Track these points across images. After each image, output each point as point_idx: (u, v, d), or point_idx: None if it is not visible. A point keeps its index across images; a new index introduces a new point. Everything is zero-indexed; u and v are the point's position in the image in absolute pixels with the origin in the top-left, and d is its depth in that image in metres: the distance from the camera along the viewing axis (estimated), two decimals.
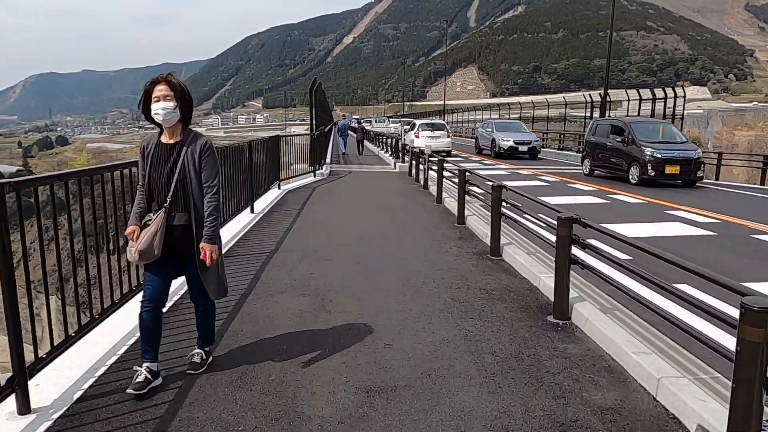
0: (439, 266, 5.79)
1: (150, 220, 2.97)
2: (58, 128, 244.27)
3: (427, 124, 23.82)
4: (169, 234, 2.97)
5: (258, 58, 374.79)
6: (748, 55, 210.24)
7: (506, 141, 21.15)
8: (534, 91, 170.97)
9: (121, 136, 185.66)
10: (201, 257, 2.97)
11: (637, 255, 4.54)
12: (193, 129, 3.14)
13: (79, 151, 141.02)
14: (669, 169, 12.81)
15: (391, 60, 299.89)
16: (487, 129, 23.14)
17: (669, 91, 18.54)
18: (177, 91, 2.93)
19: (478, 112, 47.53)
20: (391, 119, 78.05)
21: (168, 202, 2.94)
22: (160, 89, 2.91)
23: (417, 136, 21.88)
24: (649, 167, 12.83)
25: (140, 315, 2.99)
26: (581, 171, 16.11)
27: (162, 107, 2.89)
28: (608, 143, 14.43)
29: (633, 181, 13.29)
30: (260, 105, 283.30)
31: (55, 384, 2.97)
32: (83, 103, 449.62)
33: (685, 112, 18.58)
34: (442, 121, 28.28)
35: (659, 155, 12.81)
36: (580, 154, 17.54)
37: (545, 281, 4.97)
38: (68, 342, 3.11)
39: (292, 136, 13.15)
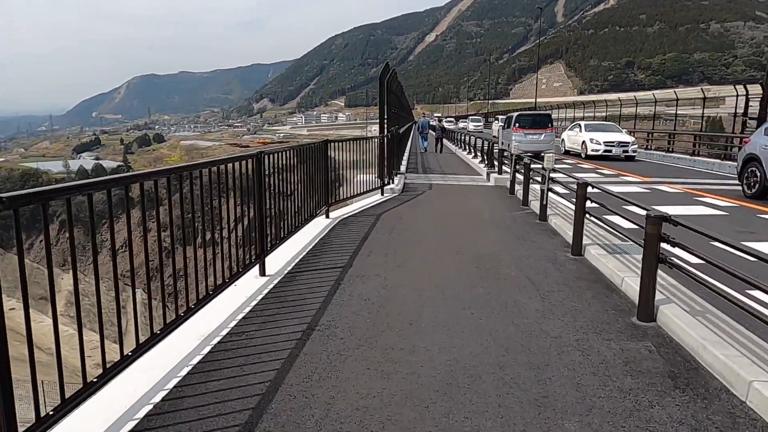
0: None
1: None
2: (156, 126, 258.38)
3: (591, 125, 22.30)
4: None
5: (341, 58, 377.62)
6: None
7: None
8: (626, 88, 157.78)
9: (211, 134, 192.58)
10: None
11: None
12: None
13: (173, 148, 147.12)
14: None
15: (473, 57, 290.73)
16: None
17: None
18: None
19: (568, 109, 43.67)
20: (470, 117, 71.14)
21: None
22: None
23: (588, 138, 20.68)
24: None
25: None
26: None
27: None
28: None
29: None
30: (342, 104, 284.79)
31: None
32: (179, 103, 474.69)
33: None
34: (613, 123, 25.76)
35: None
36: None
37: None
38: None
39: (349, 140, 9.52)
